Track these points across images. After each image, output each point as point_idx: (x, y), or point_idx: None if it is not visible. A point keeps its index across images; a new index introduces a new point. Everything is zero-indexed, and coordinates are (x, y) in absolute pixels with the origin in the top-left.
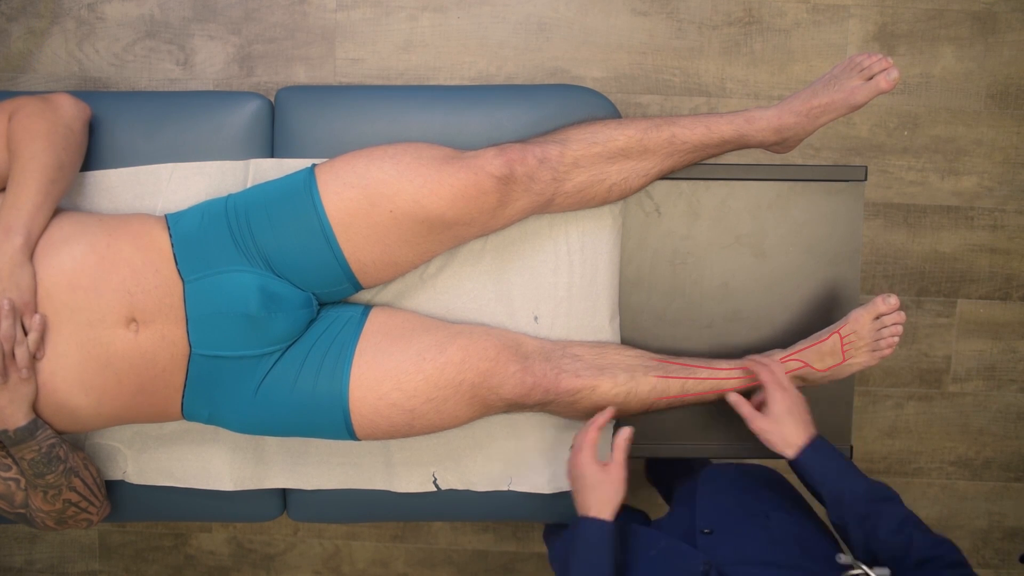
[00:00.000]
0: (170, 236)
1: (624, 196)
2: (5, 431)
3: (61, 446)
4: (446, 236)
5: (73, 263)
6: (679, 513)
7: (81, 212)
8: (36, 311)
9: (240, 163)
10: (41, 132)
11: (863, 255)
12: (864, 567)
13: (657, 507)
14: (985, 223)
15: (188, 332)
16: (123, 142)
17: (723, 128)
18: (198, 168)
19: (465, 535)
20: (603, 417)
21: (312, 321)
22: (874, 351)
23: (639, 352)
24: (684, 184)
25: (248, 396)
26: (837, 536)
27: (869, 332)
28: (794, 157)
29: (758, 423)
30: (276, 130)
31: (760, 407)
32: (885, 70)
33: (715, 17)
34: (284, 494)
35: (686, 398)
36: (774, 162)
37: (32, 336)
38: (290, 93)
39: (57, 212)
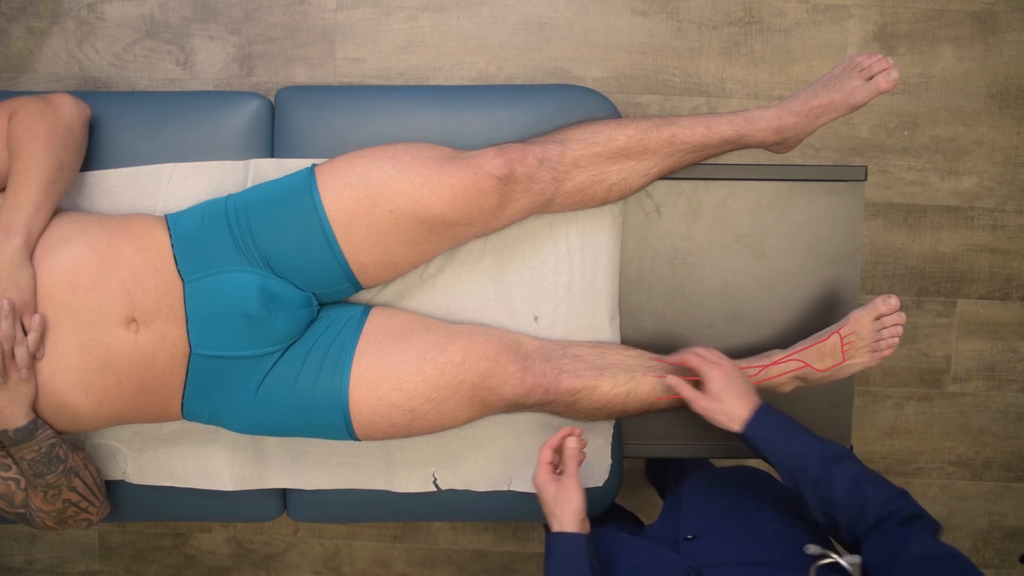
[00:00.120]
0: (170, 236)
1: (624, 196)
2: (5, 431)
3: (61, 446)
4: (446, 236)
5: (73, 263)
6: (666, 519)
7: (81, 212)
8: (36, 311)
9: (240, 163)
10: (41, 132)
11: (863, 255)
12: (835, 555)
13: (657, 507)
14: (985, 223)
15: (188, 332)
16: (123, 142)
17: (723, 128)
18: (198, 168)
19: (465, 535)
20: (555, 439)
21: (312, 321)
22: (874, 352)
23: (639, 352)
24: (684, 184)
25: (248, 396)
26: (828, 524)
27: (869, 333)
28: (794, 157)
29: (699, 403)
30: (276, 130)
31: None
32: (885, 70)
33: (715, 17)
34: (284, 494)
35: None
36: (774, 162)
37: (32, 336)
38: (290, 93)
39: (57, 212)
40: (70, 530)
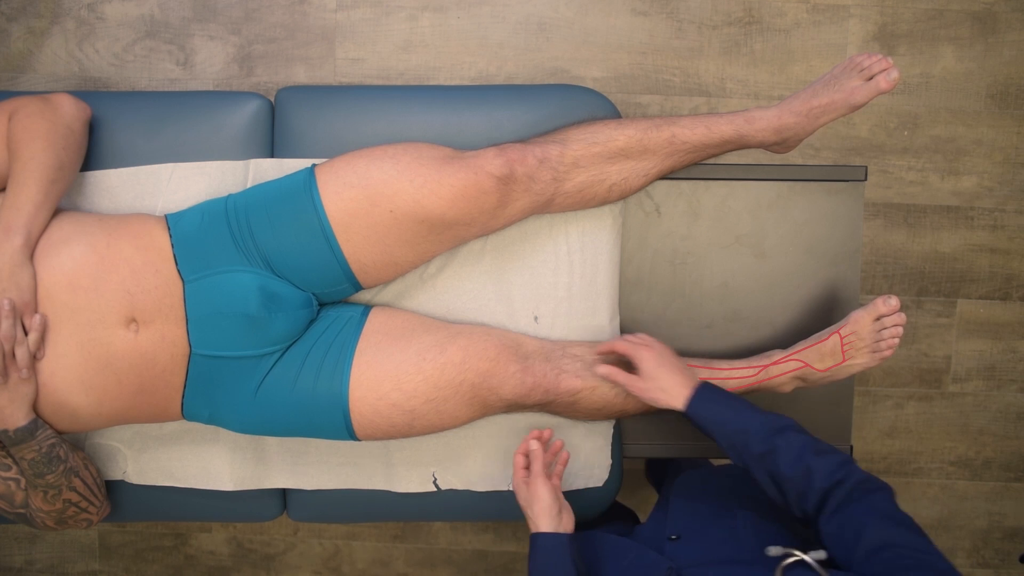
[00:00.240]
0: (170, 236)
1: (624, 196)
2: (5, 431)
3: (61, 446)
4: (446, 236)
5: (73, 263)
6: (655, 519)
7: (81, 212)
8: (36, 311)
9: (240, 163)
10: (41, 132)
11: (863, 255)
12: (798, 553)
13: None
14: (985, 223)
15: (188, 332)
16: (123, 142)
17: (723, 128)
18: (198, 168)
19: (465, 535)
20: (524, 444)
21: (312, 321)
22: (874, 352)
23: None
24: (684, 184)
25: (248, 396)
26: (782, 503)
27: (869, 333)
28: (794, 157)
29: (636, 385)
30: (276, 130)
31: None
32: (885, 70)
33: (715, 17)
34: (284, 494)
35: None
36: (774, 162)
37: (32, 336)
38: (290, 93)
39: (57, 212)
40: (70, 530)
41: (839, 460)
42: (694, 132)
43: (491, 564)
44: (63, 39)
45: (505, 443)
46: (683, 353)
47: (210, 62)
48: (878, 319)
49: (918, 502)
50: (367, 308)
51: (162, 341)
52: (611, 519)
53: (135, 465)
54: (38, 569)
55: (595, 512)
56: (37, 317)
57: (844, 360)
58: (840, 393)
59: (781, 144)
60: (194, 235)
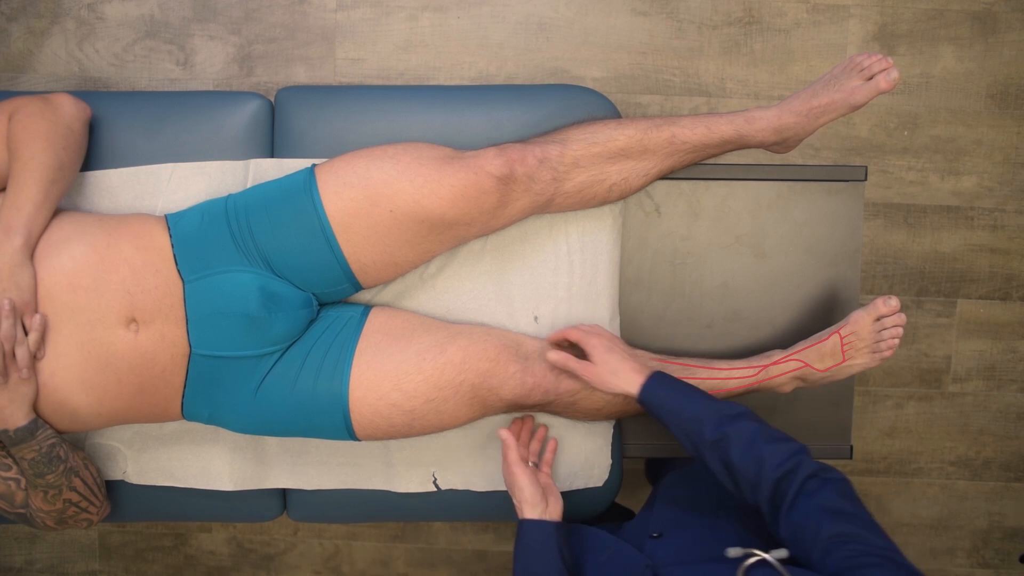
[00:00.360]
0: (170, 236)
1: (624, 196)
2: (5, 431)
3: (61, 446)
4: (446, 236)
5: (73, 263)
6: (641, 517)
7: (81, 212)
8: (36, 311)
9: (240, 163)
10: (41, 132)
11: (863, 255)
12: (759, 552)
13: None
14: (985, 223)
15: (188, 332)
16: (123, 142)
17: (723, 128)
18: (198, 168)
19: (465, 535)
20: (505, 431)
21: (312, 321)
22: (874, 352)
23: (638, 352)
24: (684, 184)
25: (248, 396)
26: (738, 493)
27: (869, 333)
28: (794, 157)
29: (588, 371)
30: (276, 130)
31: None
32: (885, 70)
33: (715, 17)
34: (284, 494)
35: None
36: (774, 162)
37: (32, 336)
38: (290, 93)
39: (57, 212)
40: (70, 530)
41: (790, 449)
42: (694, 132)
43: (491, 564)
44: (63, 39)
45: None
46: (683, 353)
47: (210, 62)
48: (878, 319)
49: (918, 502)
50: (367, 308)
51: (162, 341)
52: (608, 519)
53: (135, 465)
54: (38, 569)
55: (595, 512)
56: (37, 317)
57: (844, 360)
58: (840, 393)
59: (781, 144)
60: (194, 235)
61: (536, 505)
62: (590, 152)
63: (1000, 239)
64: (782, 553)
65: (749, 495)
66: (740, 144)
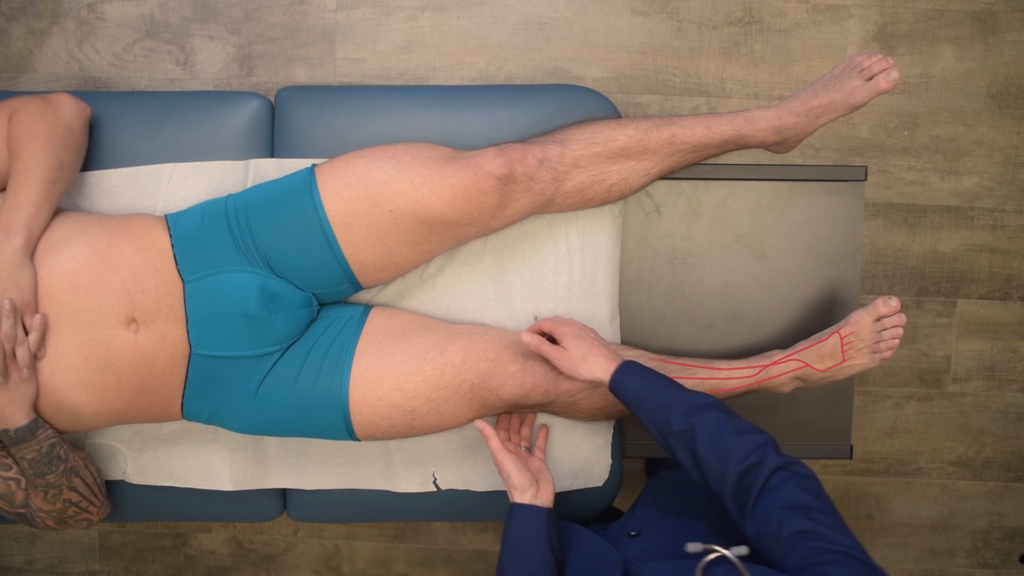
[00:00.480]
0: (170, 236)
1: (624, 196)
2: (6, 431)
3: (61, 446)
4: (446, 236)
5: (73, 263)
6: (626, 516)
7: (81, 212)
8: (37, 311)
9: (240, 163)
10: (41, 132)
11: (863, 255)
12: (719, 548)
13: None
14: (985, 223)
15: (188, 332)
16: (123, 142)
17: (723, 128)
18: (198, 168)
19: (465, 535)
20: (480, 422)
21: (312, 321)
22: (874, 353)
23: (639, 352)
24: (684, 184)
25: (248, 396)
26: (706, 485)
27: (869, 334)
28: (794, 157)
29: (559, 355)
30: (276, 130)
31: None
32: (885, 70)
33: (715, 17)
34: (284, 494)
35: None
36: (774, 162)
37: (33, 336)
38: (290, 93)
39: (57, 212)
40: (70, 530)
41: (756, 442)
42: (694, 132)
43: (491, 564)
44: (63, 39)
45: None
46: (683, 353)
47: (210, 62)
48: (878, 320)
49: (918, 502)
50: (367, 308)
51: (162, 341)
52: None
53: (135, 465)
54: (38, 569)
55: (595, 512)
56: (38, 317)
57: (844, 360)
58: (840, 393)
59: (781, 144)
60: (194, 235)
61: (525, 491)
62: (590, 152)
63: (1000, 239)
64: (742, 550)
65: (715, 487)
66: (740, 144)
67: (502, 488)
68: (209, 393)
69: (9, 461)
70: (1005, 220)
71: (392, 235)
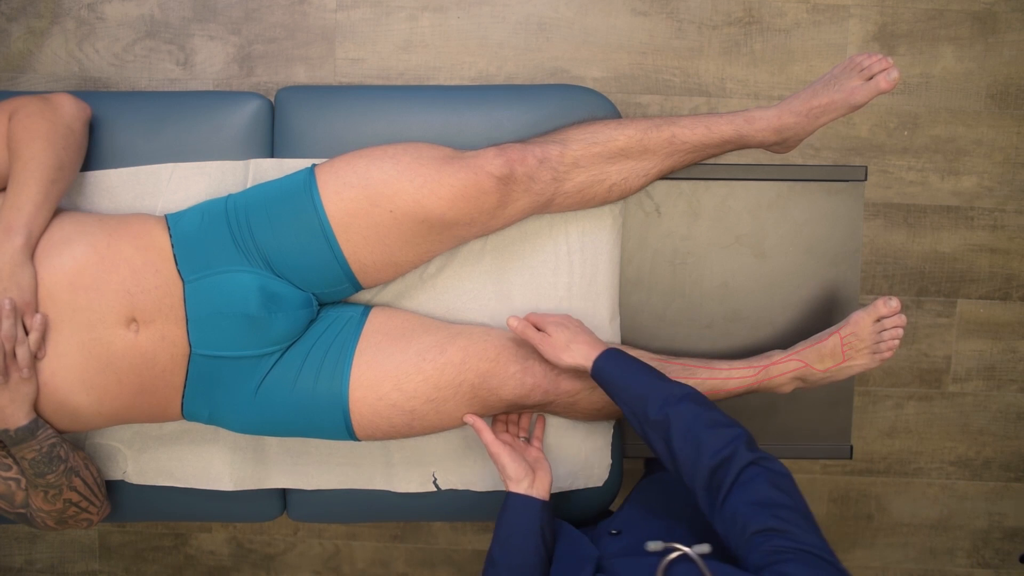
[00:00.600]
0: (170, 236)
1: (624, 196)
2: (6, 431)
3: (62, 446)
4: (446, 236)
5: (74, 263)
6: (615, 515)
7: (81, 212)
8: (37, 311)
9: (240, 163)
10: (41, 132)
11: (863, 255)
12: (680, 546)
13: None
14: (985, 223)
15: (188, 332)
16: (123, 142)
17: (723, 128)
18: (198, 168)
19: (465, 535)
20: (471, 416)
21: (312, 321)
22: (874, 353)
23: (639, 352)
24: (684, 184)
25: (248, 396)
26: (679, 478)
27: (870, 334)
28: (794, 157)
29: (544, 342)
30: (276, 130)
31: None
32: (885, 70)
33: (715, 17)
34: (284, 494)
35: None
36: (774, 162)
37: (33, 336)
38: (290, 93)
39: (57, 212)
40: (70, 530)
41: (728, 436)
42: (694, 132)
43: None
44: (63, 39)
45: None
46: (683, 353)
47: (210, 62)
48: (878, 320)
49: (918, 502)
50: (367, 308)
51: (162, 341)
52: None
53: (135, 465)
54: (38, 569)
55: (595, 512)
56: (38, 317)
57: (844, 361)
58: (840, 393)
59: (781, 144)
60: (194, 235)
61: (520, 481)
62: (590, 152)
63: (1000, 239)
64: (704, 548)
65: (688, 482)
66: (740, 144)
67: (502, 488)
68: (209, 393)
69: (9, 461)
70: (1005, 220)
71: (392, 235)
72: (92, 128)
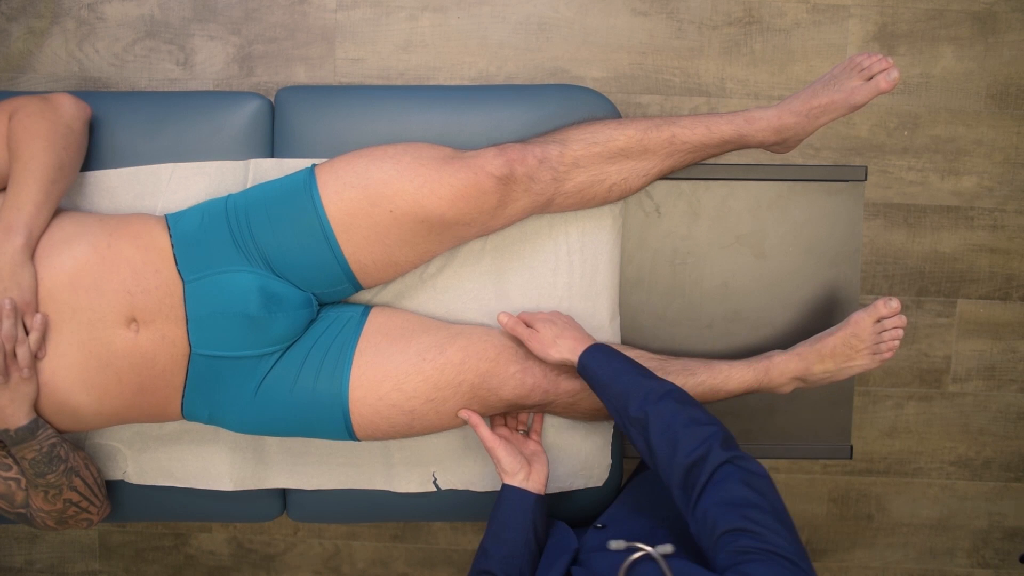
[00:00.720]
0: (170, 236)
1: (624, 196)
2: (6, 430)
3: (62, 446)
4: (446, 236)
5: (74, 263)
6: (606, 510)
7: (81, 212)
8: (37, 310)
9: (240, 163)
10: (41, 132)
11: (863, 255)
12: (643, 546)
13: None
14: (985, 223)
15: (188, 332)
16: (123, 142)
17: (723, 128)
18: (198, 168)
19: (465, 535)
20: (466, 411)
21: (312, 321)
22: (874, 354)
23: (639, 352)
24: (684, 184)
25: (248, 396)
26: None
27: (870, 335)
28: (794, 157)
29: (532, 339)
30: (276, 130)
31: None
32: (885, 70)
33: (715, 17)
34: (284, 494)
35: None
36: (774, 162)
37: (33, 336)
38: (290, 93)
39: (57, 212)
40: (70, 530)
41: (704, 435)
42: (694, 132)
43: None
44: (63, 39)
45: None
46: (683, 353)
47: (210, 62)
48: (879, 321)
49: (918, 502)
50: (367, 308)
51: (162, 341)
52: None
53: (135, 465)
54: (38, 569)
55: (595, 512)
56: (38, 317)
57: (844, 361)
58: (840, 393)
59: (781, 144)
60: (194, 235)
61: (515, 475)
62: (590, 152)
63: (1000, 239)
64: (667, 548)
65: (666, 481)
66: (740, 144)
67: None
68: (209, 393)
69: (9, 461)
70: (1005, 220)
71: (392, 235)
72: (92, 128)
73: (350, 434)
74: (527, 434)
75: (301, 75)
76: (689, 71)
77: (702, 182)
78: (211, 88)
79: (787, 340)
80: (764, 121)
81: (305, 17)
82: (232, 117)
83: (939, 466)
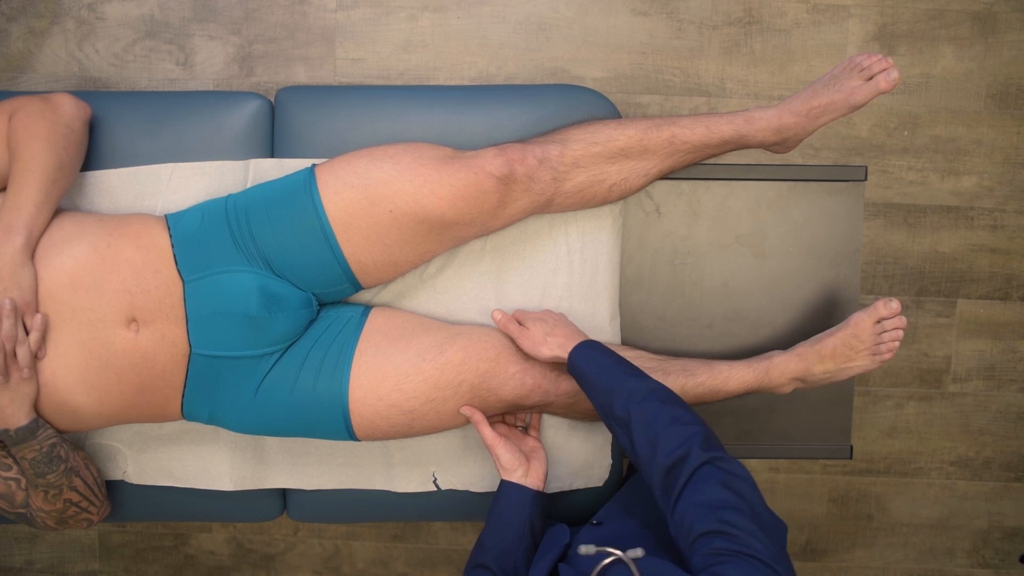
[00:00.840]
0: (170, 236)
1: (624, 196)
2: (6, 430)
3: (62, 446)
4: (446, 236)
5: (74, 263)
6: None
7: (81, 212)
8: (37, 310)
9: (240, 163)
10: (41, 132)
11: (863, 255)
12: (614, 550)
13: None
14: (985, 223)
15: (188, 332)
16: (123, 142)
17: (723, 128)
18: (198, 168)
19: (465, 535)
20: (467, 408)
21: (312, 321)
22: (874, 355)
23: (638, 353)
24: (684, 184)
25: (248, 396)
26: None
27: (870, 336)
28: (794, 157)
29: (523, 337)
30: (276, 130)
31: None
32: (885, 70)
33: (715, 17)
34: (284, 494)
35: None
36: (774, 162)
37: (33, 336)
38: (290, 93)
39: (58, 212)
40: (70, 530)
41: (685, 435)
42: (694, 132)
43: None
44: (63, 39)
45: None
46: (683, 353)
47: (210, 62)
48: (879, 322)
49: (918, 502)
50: (367, 308)
51: (162, 341)
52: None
53: (135, 465)
54: (38, 569)
55: (595, 513)
56: (38, 316)
57: (844, 362)
58: (840, 393)
59: (781, 144)
60: (194, 235)
61: (513, 471)
62: (590, 152)
63: (1000, 239)
64: (637, 552)
65: (647, 479)
66: (740, 144)
67: None
68: (209, 393)
69: (9, 461)
70: (1005, 220)
71: (392, 235)
72: (92, 128)
73: (350, 434)
74: (525, 430)
75: (301, 75)
76: (689, 71)
77: (702, 182)
78: (211, 88)
79: (787, 340)
80: (764, 121)
81: (305, 17)
82: (232, 117)
83: (939, 466)
